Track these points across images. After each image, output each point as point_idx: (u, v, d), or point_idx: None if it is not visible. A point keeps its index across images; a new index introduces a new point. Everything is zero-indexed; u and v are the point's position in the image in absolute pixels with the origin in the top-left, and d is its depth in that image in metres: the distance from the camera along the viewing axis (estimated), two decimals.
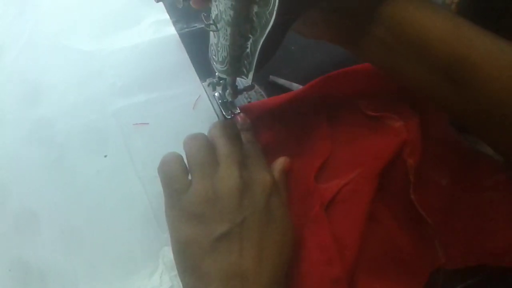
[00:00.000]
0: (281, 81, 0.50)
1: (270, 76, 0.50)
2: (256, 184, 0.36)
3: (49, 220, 0.39)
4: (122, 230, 0.40)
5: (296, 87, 0.49)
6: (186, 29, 0.52)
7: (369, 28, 0.34)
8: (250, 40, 0.35)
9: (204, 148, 0.36)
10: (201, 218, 0.33)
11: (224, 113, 0.45)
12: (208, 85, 0.45)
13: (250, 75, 0.38)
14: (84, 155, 0.43)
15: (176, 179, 0.35)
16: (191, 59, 0.50)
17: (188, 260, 0.33)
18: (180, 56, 0.50)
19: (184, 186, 0.35)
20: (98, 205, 0.41)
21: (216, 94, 0.46)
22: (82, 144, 0.43)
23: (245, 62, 0.38)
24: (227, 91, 0.43)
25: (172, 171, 0.36)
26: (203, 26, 0.50)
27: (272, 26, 0.31)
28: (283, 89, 0.49)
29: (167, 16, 0.53)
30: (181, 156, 0.37)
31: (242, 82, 0.47)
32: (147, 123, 0.45)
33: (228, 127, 0.39)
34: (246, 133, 0.41)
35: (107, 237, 0.39)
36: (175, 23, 0.52)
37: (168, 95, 0.47)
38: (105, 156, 0.43)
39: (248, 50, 0.36)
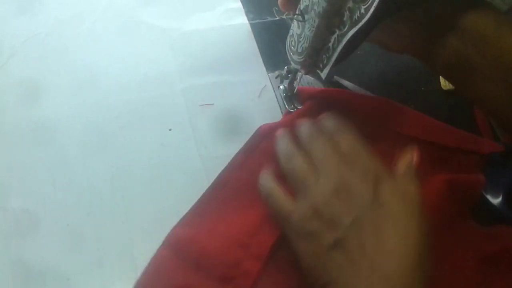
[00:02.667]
0: (345, 82, 0.50)
1: (335, 76, 0.50)
2: (357, 179, 0.34)
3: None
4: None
5: (358, 90, 0.50)
6: (258, 20, 0.53)
7: (446, 38, 0.34)
8: (335, 35, 0.36)
9: (296, 165, 0.37)
10: (312, 234, 0.33)
11: (287, 106, 0.46)
12: (276, 77, 0.46)
13: (325, 70, 0.39)
14: (150, 127, 0.44)
15: (281, 207, 0.36)
16: (259, 50, 0.51)
17: (313, 276, 0.33)
18: (249, 45, 0.51)
19: (288, 210, 0.35)
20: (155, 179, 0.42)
21: (281, 87, 0.47)
22: (148, 115, 0.45)
23: (324, 56, 0.39)
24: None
25: (275, 201, 0.36)
26: (274, 19, 0.51)
27: (365, 23, 0.32)
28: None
29: (240, 6, 0.54)
30: (277, 185, 0.37)
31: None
32: (212, 104, 0.46)
33: (318, 127, 0.39)
34: (337, 130, 0.39)
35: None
36: (247, 13, 0.54)
37: (234, 81, 0.48)
38: (170, 130, 0.44)
39: (330, 44, 0.37)
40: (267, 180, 0.38)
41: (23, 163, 0.42)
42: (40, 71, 0.47)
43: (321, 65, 0.39)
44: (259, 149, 0.42)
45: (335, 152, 0.36)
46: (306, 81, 0.49)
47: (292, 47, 0.40)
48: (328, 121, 0.39)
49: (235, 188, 0.40)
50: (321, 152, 0.36)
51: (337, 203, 0.33)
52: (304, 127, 0.40)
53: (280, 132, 0.40)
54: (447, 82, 0.52)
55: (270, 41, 0.52)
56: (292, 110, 0.46)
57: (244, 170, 0.41)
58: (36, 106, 0.44)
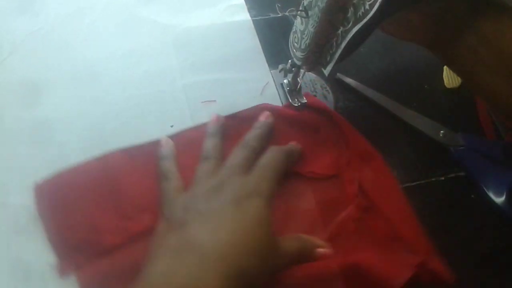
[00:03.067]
0: (348, 79, 0.50)
1: (338, 74, 0.50)
2: (235, 186, 0.36)
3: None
4: None
5: (361, 87, 0.49)
6: (260, 17, 0.53)
7: (461, 35, 0.35)
8: (339, 31, 0.36)
9: (210, 165, 0.39)
10: (171, 220, 0.35)
11: (290, 100, 0.46)
12: (280, 71, 0.45)
13: (329, 67, 0.39)
14: (151, 124, 0.44)
15: (168, 191, 0.38)
16: (261, 47, 0.50)
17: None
18: (252, 42, 0.51)
19: (171, 199, 0.37)
20: None
21: (285, 81, 0.47)
22: (149, 112, 0.44)
23: (327, 53, 0.38)
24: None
25: (166, 187, 0.39)
26: (276, 15, 0.51)
27: (369, 19, 0.32)
28: (348, 88, 0.50)
29: (242, 2, 0.54)
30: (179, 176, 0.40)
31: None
32: (215, 100, 0.45)
33: (253, 143, 0.41)
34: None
35: None
36: (249, 9, 0.53)
37: (237, 78, 0.48)
38: (172, 126, 0.43)
39: (334, 41, 0.37)
40: (170, 163, 0.40)
41: (23, 160, 0.41)
42: (41, 67, 0.47)
43: (324, 62, 0.39)
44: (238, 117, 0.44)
45: (241, 166, 0.38)
46: (308, 78, 0.49)
47: (295, 44, 0.40)
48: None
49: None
50: (232, 162, 0.39)
51: (203, 197, 0.35)
52: (253, 128, 0.42)
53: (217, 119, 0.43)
54: (450, 80, 0.51)
55: (273, 38, 0.51)
56: (296, 105, 0.45)
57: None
58: (37, 102, 0.44)
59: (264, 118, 0.43)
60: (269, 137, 0.42)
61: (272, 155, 0.39)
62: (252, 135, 0.41)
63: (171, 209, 0.36)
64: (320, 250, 0.37)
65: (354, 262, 0.36)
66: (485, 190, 0.43)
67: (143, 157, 0.41)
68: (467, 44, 0.35)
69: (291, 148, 0.42)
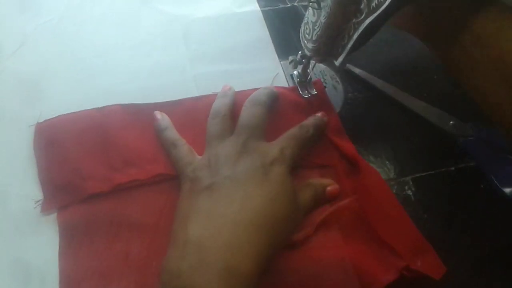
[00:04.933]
0: (357, 70, 0.50)
1: (347, 65, 0.50)
2: (258, 152, 0.37)
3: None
4: None
5: (371, 78, 0.50)
6: (269, 7, 0.53)
7: (456, 35, 0.34)
8: (351, 23, 0.36)
9: (221, 121, 0.40)
10: (197, 178, 0.36)
11: (300, 92, 0.46)
12: (290, 62, 0.45)
13: (340, 58, 0.39)
14: None
15: (182, 158, 0.39)
16: (271, 37, 0.50)
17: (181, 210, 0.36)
18: (261, 33, 0.51)
19: (187, 162, 0.38)
20: None
21: (295, 72, 0.47)
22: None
23: (339, 44, 0.38)
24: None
25: (179, 153, 0.39)
26: (286, 5, 0.51)
27: (383, 10, 0.32)
28: (358, 78, 0.50)
29: None
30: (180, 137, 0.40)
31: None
32: None
33: (264, 98, 0.41)
34: (309, 120, 0.42)
35: None
36: (258, 0, 0.53)
37: (247, 68, 0.48)
38: None
39: (345, 32, 0.37)
40: (172, 132, 0.41)
41: (24, 158, 0.41)
42: (51, 58, 0.47)
43: (335, 53, 0.39)
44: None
45: (257, 126, 0.39)
46: (318, 69, 0.49)
47: (307, 35, 0.40)
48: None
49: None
50: (247, 119, 0.39)
51: (229, 160, 0.36)
52: (262, 88, 0.43)
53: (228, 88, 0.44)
54: None
55: (282, 28, 0.52)
56: (306, 96, 0.45)
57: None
58: (47, 92, 0.44)
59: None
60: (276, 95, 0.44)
61: (299, 130, 0.40)
62: (262, 91, 0.42)
63: (194, 169, 0.37)
64: (329, 188, 0.40)
65: (345, 253, 0.36)
66: (494, 180, 0.43)
67: (141, 115, 0.42)
68: (461, 45, 0.34)
69: (320, 122, 0.42)
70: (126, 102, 0.44)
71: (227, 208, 0.33)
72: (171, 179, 0.39)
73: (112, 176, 0.39)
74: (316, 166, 0.42)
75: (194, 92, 0.45)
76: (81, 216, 0.37)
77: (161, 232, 0.37)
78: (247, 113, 0.40)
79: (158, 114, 0.42)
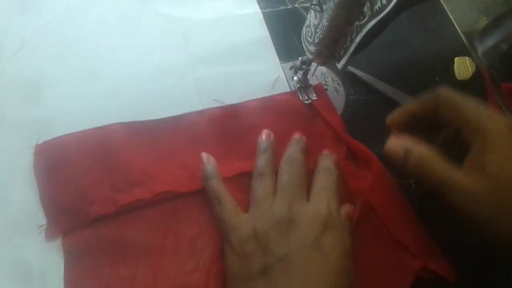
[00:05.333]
0: (359, 72, 0.50)
1: (348, 67, 0.50)
2: (306, 218, 0.35)
3: None
4: None
5: (372, 80, 0.49)
6: (270, 9, 0.52)
7: None
8: (354, 25, 0.36)
9: (267, 183, 0.38)
10: (245, 254, 0.34)
11: (301, 97, 0.46)
12: (290, 69, 0.45)
13: (342, 61, 0.39)
14: (162, 117, 0.44)
15: (228, 218, 0.36)
16: (272, 39, 0.50)
17: None
18: (262, 35, 0.50)
19: (233, 224, 0.36)
20: None
21: (295, 78, 0.47)
22: (161, 106, 0.44)
23: (341, 47, 0.38)
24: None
25: (223, 212, 0.37)
26: (286, 7, 0.50)
27: (386, 13, 0.32)
28: (360, 81, 0.49)
29: None
30: (226, 191, 0.38)
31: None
32: (223, 103, 0.45)
33: (299, 156, 0.39)
34: (325, 161, 0.40)
35: None
36: (258, 1, 0.53)
37: (247, 71, 0.47)
38: None
39: (348, 35, 0.37)
40: (218, 182, 0.38)
41: (23, 158, 0.41)
42: (51, 61, 0.46)
43: (337, 56, 0.39)
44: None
45: (299, 186, 0.37)
46: (320, 71, 0.49)
47: (309, 38, 0.40)
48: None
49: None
50: (288, 181, 0.37)
51: (279, 233, 0.34)
52: (293, 144, 0.41)
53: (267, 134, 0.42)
54: (461, 72, 0.51)
55: (283, 31, 0.51)
56: (307, 102, 0.45)
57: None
58: (47, 95, 0.44)
59: (298, 135, 0.42)
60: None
61: (327, 177, 0.39)
62: (294, 148, 0.40)
63: (240, 241, 0.35)
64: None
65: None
66: None
67: (143, 133, 0.41)
68: None
69: (331, 157, 0.41)
70: (126, 104, 0.44)
71: None
72: (176, 197, 0.39)
73: (116, 197, 0.38)
74: None
75: (194, 95, 0.45)
76: (85, 240, 0.36)
77: (168, 252, 0.36)
78: (287, 175, 0.38)
79: (205, 158, 0.40)
